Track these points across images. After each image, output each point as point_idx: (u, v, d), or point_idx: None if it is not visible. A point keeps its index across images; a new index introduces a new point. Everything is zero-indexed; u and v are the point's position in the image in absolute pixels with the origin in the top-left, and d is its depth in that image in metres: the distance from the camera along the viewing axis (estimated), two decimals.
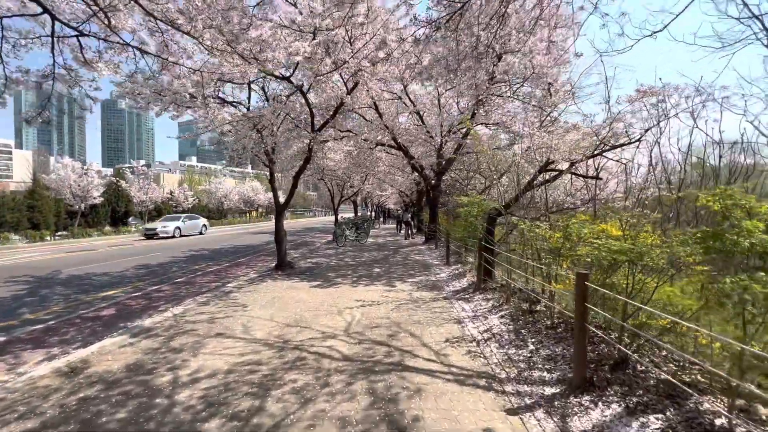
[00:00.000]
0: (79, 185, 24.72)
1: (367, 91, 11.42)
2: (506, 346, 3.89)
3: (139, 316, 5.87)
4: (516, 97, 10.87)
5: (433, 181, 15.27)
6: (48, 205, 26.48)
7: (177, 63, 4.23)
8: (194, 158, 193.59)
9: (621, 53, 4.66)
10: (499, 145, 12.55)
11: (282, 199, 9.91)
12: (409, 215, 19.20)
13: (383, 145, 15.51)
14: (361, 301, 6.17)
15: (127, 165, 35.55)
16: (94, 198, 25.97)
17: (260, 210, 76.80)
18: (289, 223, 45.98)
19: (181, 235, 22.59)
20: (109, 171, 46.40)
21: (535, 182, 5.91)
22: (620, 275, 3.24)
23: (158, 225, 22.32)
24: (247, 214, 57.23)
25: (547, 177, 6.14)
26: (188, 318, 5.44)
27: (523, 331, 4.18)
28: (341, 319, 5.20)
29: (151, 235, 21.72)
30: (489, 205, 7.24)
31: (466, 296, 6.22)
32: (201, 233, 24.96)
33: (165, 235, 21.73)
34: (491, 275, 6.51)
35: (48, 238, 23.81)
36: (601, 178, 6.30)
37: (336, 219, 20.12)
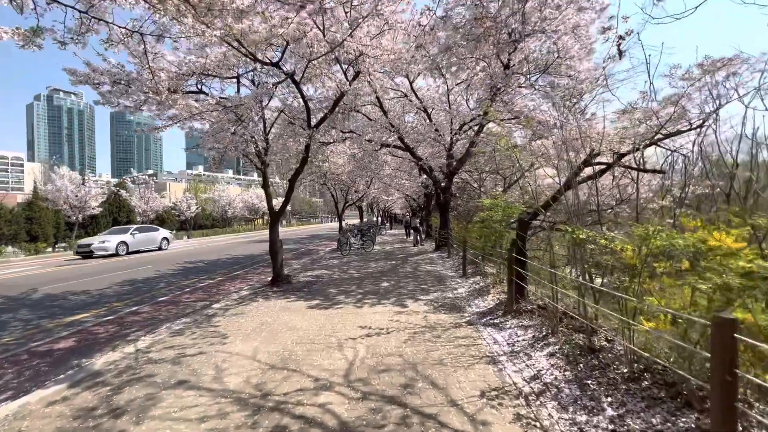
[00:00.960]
0: (76, 195, 24.04)
1: (370, 83, 10.41)
2: (570, 408, 2.75)
3: (100, 350, 4.84)
4: (536, 86, 9.76)
5: (443, 184, 14.17)
6: (47, 217, 25.89)
7: (102, 20, 3.23)
8: (201, 167, 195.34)
9: (678, 18, 3.56)
10: (516, 143, 11.41)
11: (278, 205, 8.86)
12: (418, 220, 18.08)
13: (388, 146, 14.48)
14: (366, 328, 5.06)
15: (128, 175, 34.97)
16: (93, 208, 25.29)
17: (266, 218, 76.26)
18: (295, 231, 45.15)
19: (128, 252, 17.71)
20: (116, 181, 46.25)
21: (577, 178, 4.78)
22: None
23: (95, 240, 17.32)
24: (253, 222, 56.63)
25: (590, 172, 5.01)
26: (152, 355, 4.38)
27: (588, 381, 3.03)
28: (341, 356, 4.09)
29: (84, 253, 16.79)
30: (516, 208, 6.11)
31: (495, 320, 5.08)
32: (161, 248, 19.51)
33: (103, 253, 16.65)
34: (523, 293, 5.36)
35: (48, 250, 23.23)
36: (664, 172, 5.17)
37: (340, 226, 19.07)
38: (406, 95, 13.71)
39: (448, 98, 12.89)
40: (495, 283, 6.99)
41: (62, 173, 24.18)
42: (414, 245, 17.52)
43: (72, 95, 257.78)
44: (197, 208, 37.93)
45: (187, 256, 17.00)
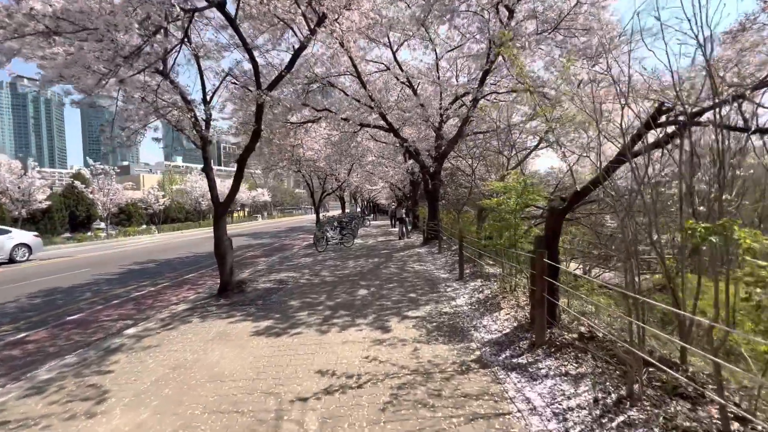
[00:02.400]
0: (18, 187, 21.28)
1: (343, 44, 8.54)
2: None
3: None
4: (547, 43, 8.07)
5: (431, 169, 12.47)
6: None
7: None
8: (179, 159, 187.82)
9: None
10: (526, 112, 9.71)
11: (234, 193, 6.97)
12: (403, 211, 16.38)
13: (369, 126, 12.65)
14: (327, 375, 3.35)
15: (87, 166, 31.93)
16: (39, 202, 22.55)
17: (246, 210, 73.55)
18: (275, 223, 42.87)
19: None
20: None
21: (642, 142, 3.15)
22: None
23: None
24: (231, 215, 53.89)
25: (659, 134, 3.37)
26: None
27: None
28: None
29: None
30: (536, 191, 4.46)
31: (521, 358, 3.44)
32: (12, 260, 13.33)
33: None
34: (555, 313, 3.74)
35: None
36: None
37: (317, 218, 17.18)
38: (388, 68, 11.85)
39: (437, 67, 11.11)
40: (505, 291, 5.36)
41: (0, 161, 21.31)
42: (399, 238, 15.87)
43: (37, 83, 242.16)
44: (166, 201, 35.21)
45: (140, 255, 14.90)
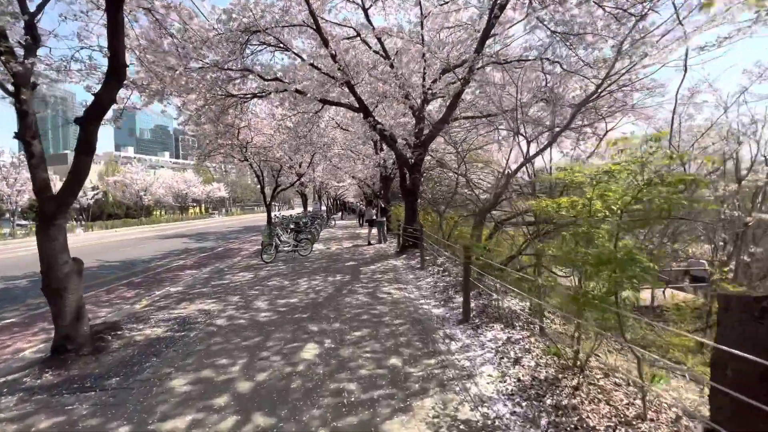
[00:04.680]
0: None
1: None
2: None
3: None
4: None
5: (411, 160, 9.98)
6: None
7: None
8: (131, 149, 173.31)
9: None
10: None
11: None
12: (375, 211, 13.72)
13: (332, 103, 9.93)
14: None
15: None
16: None
17: (205, 206, 67.98)
18: (230, 221, 38.68)
19: None
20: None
21: None
22: None
23: None
24: (184, 212, 48.53)
25: None
26: None
27: None
28: None
29: None
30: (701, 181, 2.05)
31: None
32: None
33: None
34: None
35: None
36: None
37: (269, 219, 14.15)
38: (359, 34, 9.16)
39: (422, 24, 8.62)
40: (570, 368, 2.92)
41: None
42: (369, 243, 13.28)
43: None
44: (96, 194, 30.26)
45: (18, 266, 11.27)
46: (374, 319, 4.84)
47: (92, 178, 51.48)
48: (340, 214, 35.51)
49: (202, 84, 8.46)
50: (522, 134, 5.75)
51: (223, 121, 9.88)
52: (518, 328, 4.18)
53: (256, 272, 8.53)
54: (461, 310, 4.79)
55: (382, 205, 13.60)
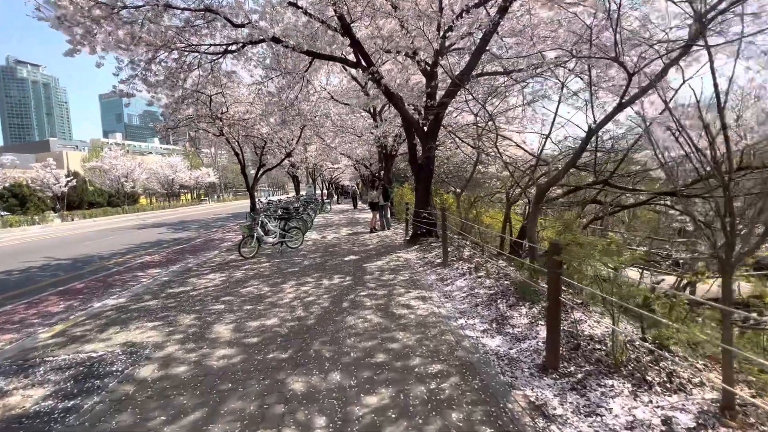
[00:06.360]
0: None
1: None
2: None
3: None
4: None
5: (425, 127, 7.97)
6: None
7: None
8: (119, 135, 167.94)
9: None
10: None
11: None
12: (376, 193, 11.73)
13: (321, 57, 7.80)
14: None
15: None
16: None
17: (196, 193, 65.62)
18: (219, 207, 36.49)
19: None
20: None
21: None
22: None
23: None
24: (170, 199, 46.11)
25: None
26: None
27: None
28: None
29: None
30: None
31: None
32: None
33: None
34: None
35: None
36: None
37: (252, 204, 12.14)
38: None
39: None
40: None
41: None
42: (371, 230, 11.41)
43: None
44: (69, 181, 27.92)
45: None
46: (396, 362, 2.99)
47: (73, 165, 48.70)
48: (336, 198, 33.47)
49: (152, 35, 6.36)
50: (619, 61, 3.69)
51: (181, 80, 7.75)
52: (660, 383, 2.35)
53: (230, 273, 6.64)
54: (535, 342, 2.95)
55: (383, 186, 11.63)
